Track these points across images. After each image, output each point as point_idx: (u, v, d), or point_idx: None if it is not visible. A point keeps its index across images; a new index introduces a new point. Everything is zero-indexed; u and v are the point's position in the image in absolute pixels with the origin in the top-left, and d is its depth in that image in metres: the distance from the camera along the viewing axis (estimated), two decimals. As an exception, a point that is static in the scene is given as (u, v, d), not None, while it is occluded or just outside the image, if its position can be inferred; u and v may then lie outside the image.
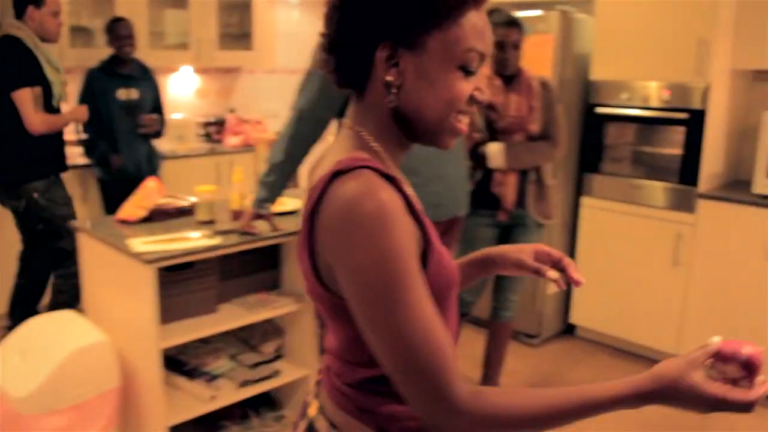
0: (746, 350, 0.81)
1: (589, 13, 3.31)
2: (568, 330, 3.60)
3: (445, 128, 0.87)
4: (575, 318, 3.50)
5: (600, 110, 3.29)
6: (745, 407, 0.78)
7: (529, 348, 3.41)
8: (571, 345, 3.47)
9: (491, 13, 2.37)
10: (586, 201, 3.37)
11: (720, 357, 0.82)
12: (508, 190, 2.53)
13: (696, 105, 2.99)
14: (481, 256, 1.11)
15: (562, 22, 3.15)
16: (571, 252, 3.45)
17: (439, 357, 0.77)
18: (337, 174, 0.81)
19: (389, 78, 0.84)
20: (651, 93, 3.13)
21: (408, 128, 0.88)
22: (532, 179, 2.58)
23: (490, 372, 2.81)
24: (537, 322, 3.40)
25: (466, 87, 0.85)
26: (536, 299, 3.37)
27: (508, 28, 2.42)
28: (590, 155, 3.37)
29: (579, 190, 3.42)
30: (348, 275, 0.79)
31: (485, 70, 0.84)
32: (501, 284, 2.73)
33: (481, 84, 0.88)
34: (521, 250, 1.07)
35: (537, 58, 3.18)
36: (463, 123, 0.88)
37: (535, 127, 2.53)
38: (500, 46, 2.43)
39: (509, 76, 2.51)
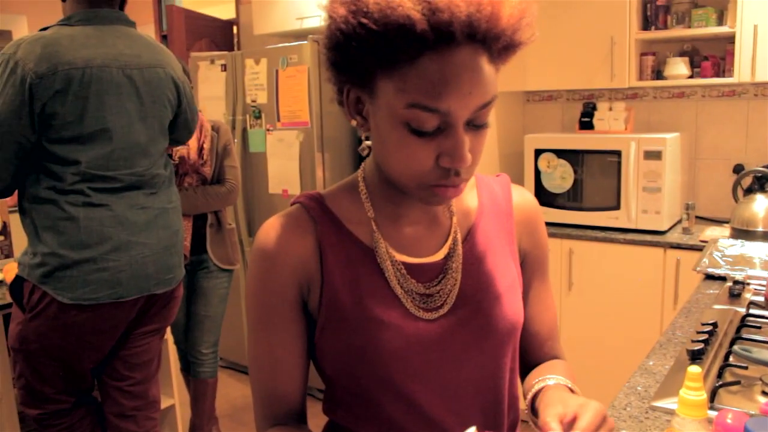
0: None
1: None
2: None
3: (416, 192, 0.75)
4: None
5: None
6: None
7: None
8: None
9: None
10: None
11: None
12: (184, 236, 2.37)
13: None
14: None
15: (317, 53, 3.00)
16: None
17: (259, 394, 0.85)
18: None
19: (353, 123, 0.78)
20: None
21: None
22: (210, 223, 2.48)
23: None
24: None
25: (420, 150, 0.71)
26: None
27: None
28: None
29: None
30: None
31: (459, 131, 0.70)
32: (192, 338, 2.57)
33: (453, 148, 0.70)
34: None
35: (292, 91, 3.02)
36: (449, 186, 0.73)
37: (207, 170, 2.42)
38: None
39: None
